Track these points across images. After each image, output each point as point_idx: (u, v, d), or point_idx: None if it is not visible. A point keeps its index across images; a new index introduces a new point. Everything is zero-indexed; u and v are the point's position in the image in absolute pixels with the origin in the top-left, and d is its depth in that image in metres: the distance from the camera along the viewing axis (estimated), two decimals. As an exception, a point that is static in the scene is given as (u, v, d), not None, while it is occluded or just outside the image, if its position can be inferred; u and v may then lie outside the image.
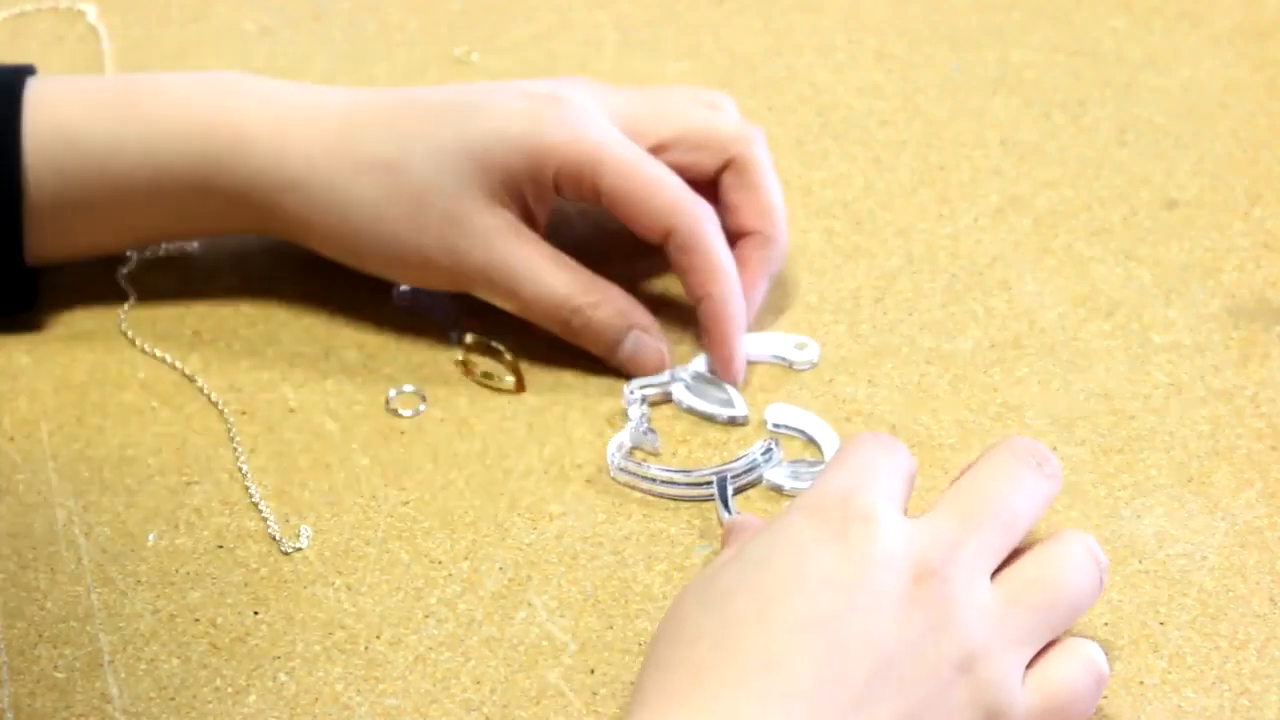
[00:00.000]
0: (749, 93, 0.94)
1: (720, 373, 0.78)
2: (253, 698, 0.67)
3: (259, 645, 0.69)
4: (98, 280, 0.84)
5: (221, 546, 0.73)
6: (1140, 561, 0.72)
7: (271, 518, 0.74)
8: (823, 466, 0.73)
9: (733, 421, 0.77)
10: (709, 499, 0.73)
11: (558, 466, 0.76)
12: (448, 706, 0.67)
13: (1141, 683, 0.68)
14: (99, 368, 0.80)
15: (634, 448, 0.76)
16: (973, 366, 0.80)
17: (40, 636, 0.69)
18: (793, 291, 0.83)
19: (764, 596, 0.61)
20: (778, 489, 0.74)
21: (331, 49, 0.97)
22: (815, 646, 0.59)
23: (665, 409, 0.78)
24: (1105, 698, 0.67)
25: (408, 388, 0.79)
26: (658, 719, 0.59)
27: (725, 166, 0.80)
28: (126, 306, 0.83)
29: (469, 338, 0.80)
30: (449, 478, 0.75)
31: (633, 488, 0.74)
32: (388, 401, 0.79)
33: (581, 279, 0.78)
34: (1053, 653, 0.63)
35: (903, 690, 0.60)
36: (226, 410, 0.78)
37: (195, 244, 0.85)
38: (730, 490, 0.73)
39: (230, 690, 0.68)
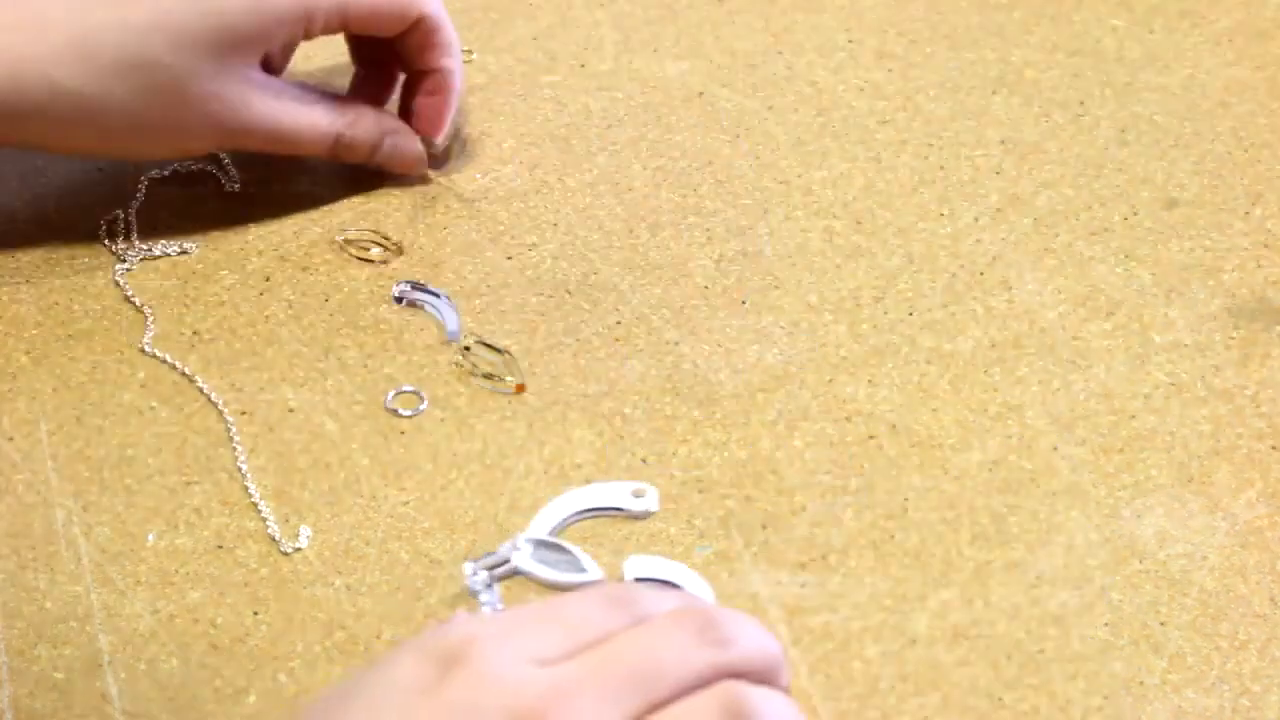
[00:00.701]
0: (749, 93, 0.94)
1: (427, 131, 0.87)
2: (253, 698, 0.67)
3: (259, 645, 0.69)
4: (97, 280, 0.84)
5: (221, 546, 0.73)
6: (1140, 561, 0.72)
7: (271, 518, 0.74)
8: None
9: (587, 587, 0.71)
10: None
11: (558, 466, 0.76)
12: (448, 707, 0.67)
13: (1141, 683, 0.68)
14: (99, 368, 0.80)
15: None
16: (973, 366, 0.80)
17: (40, 636, 0.69)
18: (793, 291, 0.83)
19: None
20: None
21: (331, 49, 0.97)
22: None
23: (512, 582, 0.72)
24: (1105, 698, 0.67)
25: (408, 388, 0.79)
26: None
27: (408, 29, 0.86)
28: (126, 306, 0.83)
29: (469, 338, 0.80)
30: (449, 478, 0.75)
31: None
32: (387, 401, 0.79)
33: (333, 105, 0.85)
34: None
35: None
36: (226, 410, 0.78)
37: (195, 244, 0.85)
38: None
39: (230, 690, 0.68)
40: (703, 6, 1.00)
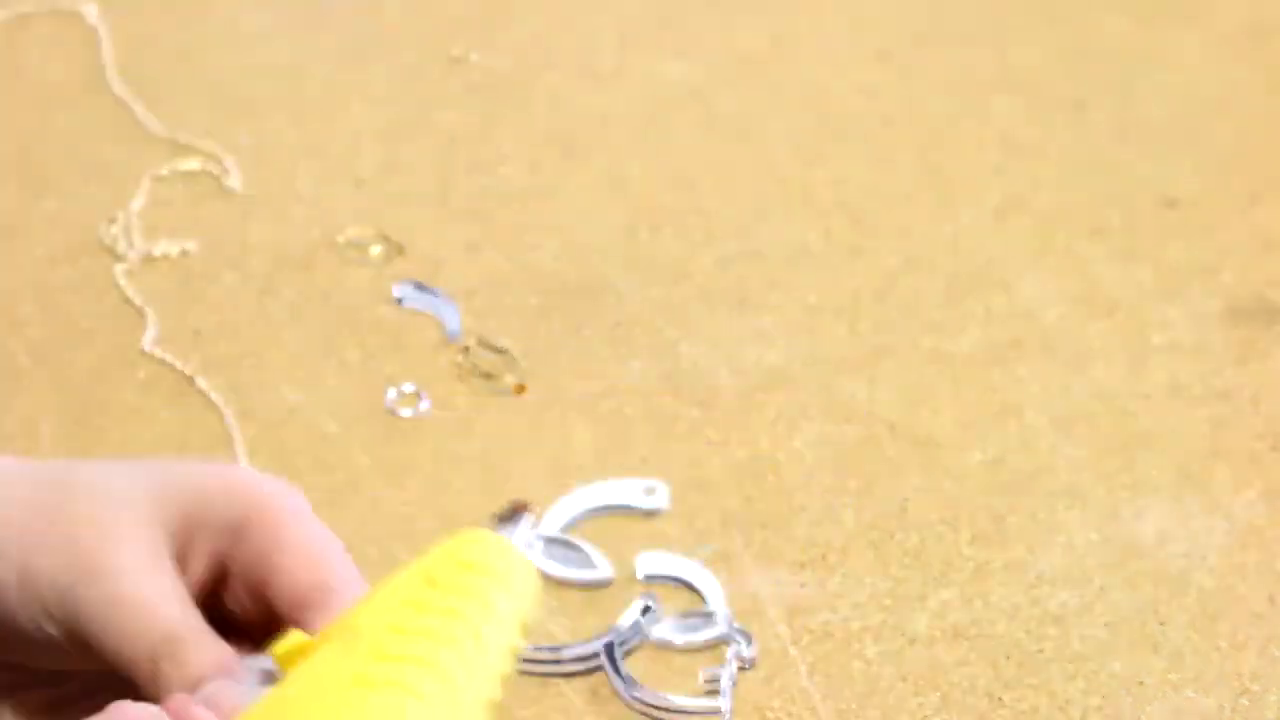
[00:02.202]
0: (749, 93, 0.94)
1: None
2: (253, 698, 0.67)
3: (259, 645, 0.69)
4: (97, 280, 0.84)
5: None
6: (1140, 562, 0.72)
7: (271, 518, 0.73)
8: (711, 614, 0.70)
9: (597, 584, 0.71)
10: (599, 669, 0.69)
11: (558, 466, 0.76)
12: (448, 706, 0.67)
13: (1141, 682, 0.68)
14: (99, 368, 0.80)
15: None
16: (973, 366, 0.80)
17: (40, 636, 0.69)
18: (793, 291, 0.83)
19: None
20: (668, 644, 0.69)
21: (331, 49, 0.97)
22: None
23: None
24: (1105, 697, 0.67)
25: (408, 388, 0.79)
26: None
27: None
28: (126, 306, 0.83)
29: (469, 338, 0.80)
30: (449, 478, 0.75)
31: (515, 671, 0.69)
32: (387, 401, 0.79)
33: (188, 615, 0.59)
34: None
35: None
36: (226, 410, 0.78)
37: (194, 244, 0.85)
38: (620, 656, 0.69)
39: (230, 690, 0.68)
40: (703, 6, 1.00)
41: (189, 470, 0.59)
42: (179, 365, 0.80)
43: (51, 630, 0.59)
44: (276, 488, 0.59)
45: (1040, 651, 0.69)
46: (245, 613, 0.59)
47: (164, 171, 0.89)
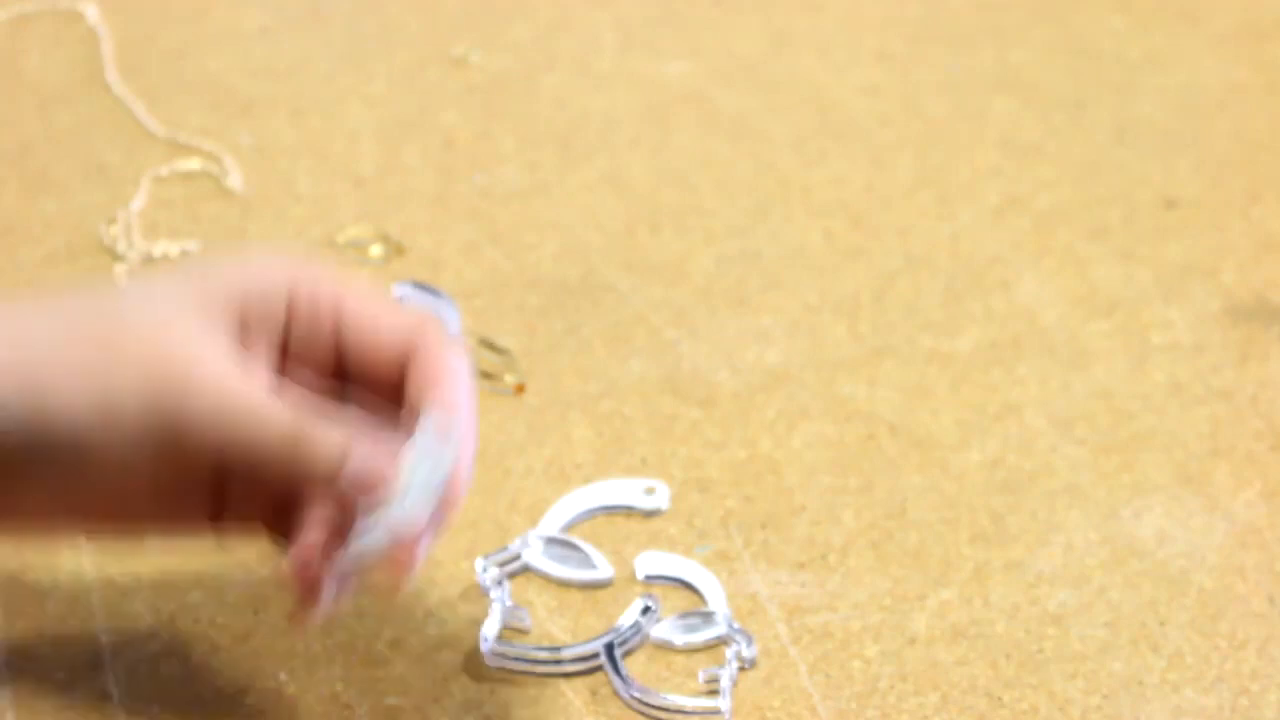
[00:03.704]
0: (749, 93, 0.94)
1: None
2: (252, 698, 0.67)
3: (259, 645, 0.69)
4: (96, 280, 0.83)
5: (222, 546, 0.73)
6: (1140, 561, 0.72)
7: (271, 518, 0.73)
8: (711, 614, 0.70)
9: (597, 584, 0.71)
10: (599, 669, 0.68)
11: (557, 467, 0.76)
12: (447, 706, 0.67)
13: (1141, 683, 0.68)
14: (99, 368, 0.80)
15: (504, 628, 0.69)
16: (973, 366, 0.80)
17: (40, 636, 0.69)
18: (793, 291, 0.83)
19: None
20: (667, 644, 0.69)
21: (331, 49, 0.97)
22: None
23: (521, 579, 0.72)
24: (1105, 697, 0.67)
25: (408, 388, 0.79)
26: None
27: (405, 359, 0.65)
28: (127, 306, 0.83)
29: (469, 338, 0.80)
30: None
31: (514, 671, 0.68)
32: (388, 401, 0.78)
33: (306, 405, 0.63)
34: None
35: None
36: (226, 410, 0.78)
37: (194, 244, 0.85)
38: (620, 656, 0.68)
39: (230, 690, 0.68)
40: (703, 6, 1.00)
41: (222, 273, 0.64)
42: (179, 365, 0.80)
43: (137, 456, 0.61)
44: (310, 269, 0.64)
45: (1040, 651, 0.69)
46: (311, 388, 0.65)
47: (164, 171, 0.89)
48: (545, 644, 0.69)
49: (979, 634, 0.69)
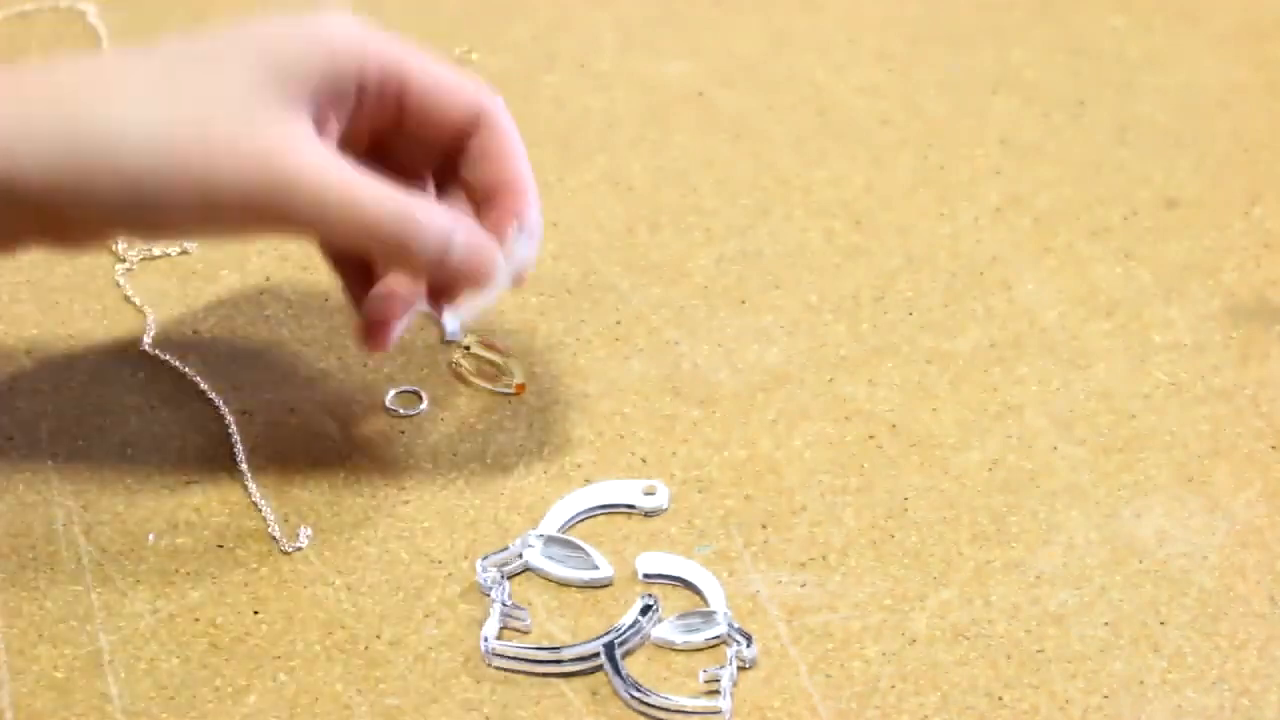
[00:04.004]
0: (749, 93, 0.94)
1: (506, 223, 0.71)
2: (253, 698, 0.68)
3: (259, 645, 0.69)
4: (97, 280, 0.84)
5: (221, 546, 0.73)
6: (1140, 561, 0.72)
7: (271, 518, 0.74)
8: (711, 614, 0.69)
9: (597, 584, 0.71)
10: (599, 669, 0.68)
11: (557, 466, 0.76)
12: (447, 706, 0.67)
13: (1141, 682, 0.68)
14: (99, 368, 0.80)
15: (504, 628, 0.69)
16: (973, 366, 0.80)
17: (40, 636, 0.69)
18: (793, 291, 0.83)
19: None
20: (668, 644, 0.69)
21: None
22: None
23: (521, 579, 0.72)
24: (1105, 697, 0.67)
25: (408, 388, 0.79)
26: None
27: (469, 124, 0.71)
28: (126, 306, 0.83)
29: (469, 338, 0.80)
30: (449, 478, 0.75)
31: (514, 671, 0.68)
32: (387, 401, 0.78)
33: (399, 187, 0.67)
34: None
35: None
36: (226, 410, 0.78)
37: (195, 244, 0.85)
38: (620, 655, 0.68)
39: (230, 690, 0.68)
40: (703, 6, 1.00)
41: (295, 48, 0.66)
42: (179, 365, 0.80)
43: (235, 233, 0.70)
44: (376, 41, 0.69)
45: (1040, 651, 0.69)
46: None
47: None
48: (545, 644, 0.69)
49: (979, 634, 0.69)
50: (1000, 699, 0.67)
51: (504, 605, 0.70)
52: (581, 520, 0.74)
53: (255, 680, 0.68)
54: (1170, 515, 0.73)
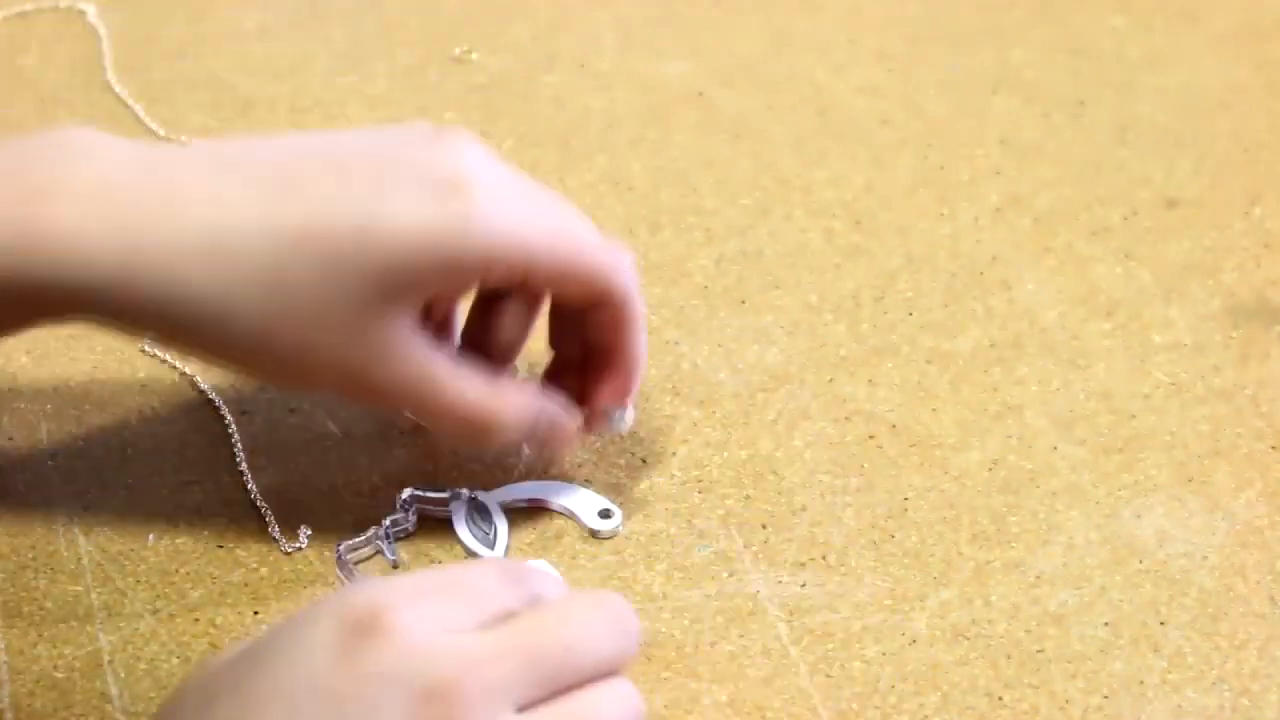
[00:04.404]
0: (749, 93, 0.94)
1: (612, 400, 0.73)
2: (253, 698, 0.67)
3: (259, 645, 0.69)
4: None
5: (221, 546, 0.73)
6: (1140, 561, 0.72)
7: (271, 518, 0.74)
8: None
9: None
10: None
11: (557, 466, 0.76)
12: (448, 706, 0.67)
13: (1141, 683, 0.68)
14: (99, 368, 0.80)
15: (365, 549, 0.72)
16: (973, 366, 0.80)
17: (40, 636, 0.69)
18: (793, 291, 0.83)
19: (249, 704, 0.55)
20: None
21: (331, 49, 0.97)
22: None
23: (439, 536, 0.73)
24: (1105, 697, 0.67)
25: (408, 388, 0.79)
26: None
27: (595, 301, 0.72)
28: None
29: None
30: (449, 477, 0.75)
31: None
32: (388, 401, 0.78)
33: (483, 387, 0.70)
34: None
35: None
36: (226, 410, 0.78)
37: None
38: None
39: (230, 690, 0.68)
40: (703, 6, 1.00)
41: (415, 258, 0.66)
42: (179, 365, 0.80)
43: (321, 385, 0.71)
44: (504, 236, 0.67)
45: (1040, 651, 0.69)
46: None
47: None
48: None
49: (979, 634, 0.69)
50: (1000, 699, 0.67)
51: (383, 531, 0.72)
52: (520, 504, 0.74)
53: (255, 680, 0.68)
54: (1170, 515, 0.73)
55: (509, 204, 0.68)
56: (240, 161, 0.66)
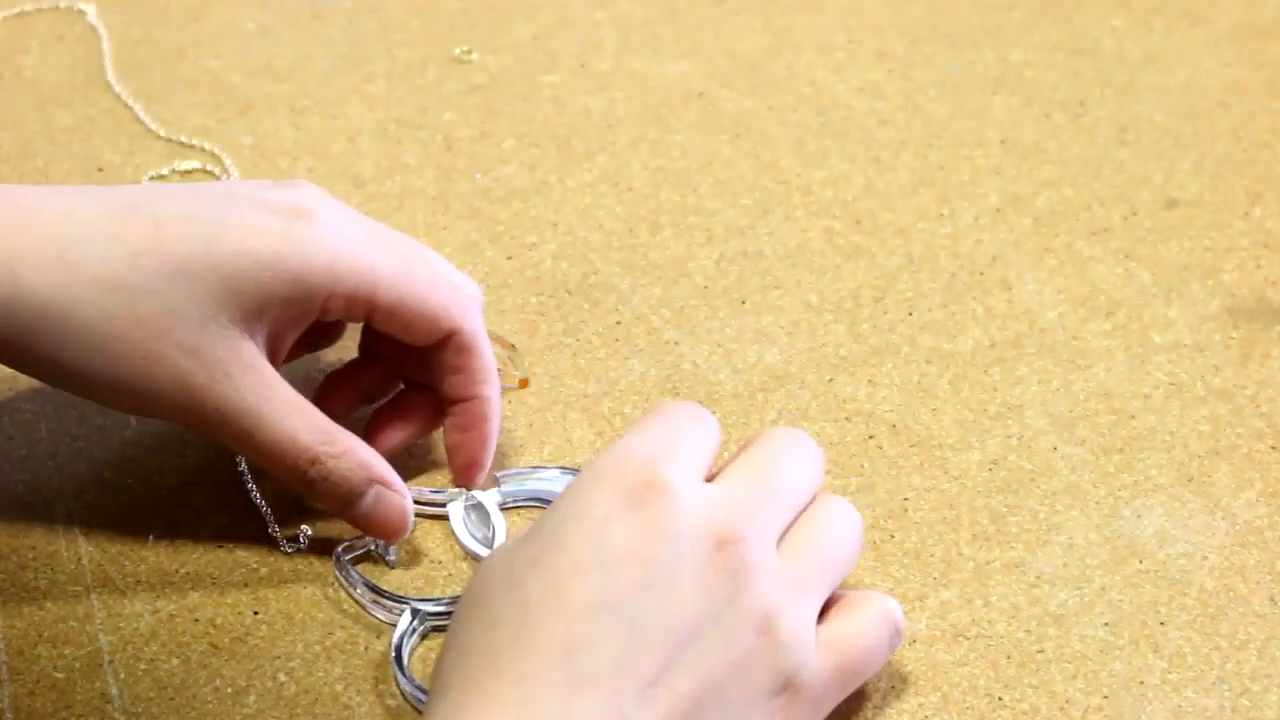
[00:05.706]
0: (749, 93, 0.94)
1: (462, 478, 0.73)
2: (253, 698, 0.67)
3: (259, 645, 0.69)
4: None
5: (221, 546, 0.73)
6: (1140, 561, 0.72)
7: (271, 518, 0.73)
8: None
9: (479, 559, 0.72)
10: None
11: (557, 466, 0.76)
12: (448, 706, 0.67)
13: (1141, 683, 0.68)
14: (99, 368, 0.80)
15: (364, 551, 0.72)
16: (973, 366, 0.80)
17: (40, 636, 0.69)
18: (793, 291, 0.83)
19: (559, 576, 0.59)
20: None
21: (331, 49, 0.97)
22: (613, 627, 0.58)
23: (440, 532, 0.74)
24: (1105, 697, 0.67)
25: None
26: (455, 712, 0.57)
27: (440, 341, 0.73)
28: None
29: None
30: (449, 477, 0.75)
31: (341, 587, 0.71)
32: (388, 401, 0.78)
33: (323, 425, 0.70)
34: (845, 611, 0.65)
35: (703, 660, 0.59)
36: (226, 410, 0.78)
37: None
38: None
39: (230, 690, 0.68)
40: (703, 6, 1.00)
41: (261, 278, 0.68)
42: (179, 365, 0.80)
43: (165, 415, 0.69)
44: (348, 267, 0.69)
45: (1041, 652, 0.69)
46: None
47: (164, 171, 0.89)
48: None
49: (979, 634, 0.69)
50: (1000, 699, 0.67)
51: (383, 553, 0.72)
52: (525, 505, 0.74)
53: (255, 681, 0.68)
54: (1170, 515, 0.73)
55: (353, 230, 0.70)
56: (97, 190, 0.70)
